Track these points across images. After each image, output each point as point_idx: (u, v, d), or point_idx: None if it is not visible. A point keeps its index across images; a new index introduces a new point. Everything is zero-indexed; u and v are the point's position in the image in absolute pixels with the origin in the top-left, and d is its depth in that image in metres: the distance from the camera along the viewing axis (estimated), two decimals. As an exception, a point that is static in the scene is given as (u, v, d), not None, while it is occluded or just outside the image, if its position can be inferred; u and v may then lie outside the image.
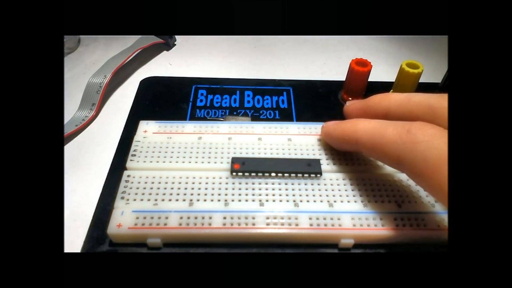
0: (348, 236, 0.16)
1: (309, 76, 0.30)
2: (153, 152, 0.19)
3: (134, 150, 0.19)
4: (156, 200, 0.17)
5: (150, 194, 0.17)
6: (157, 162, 0.19)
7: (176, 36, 0.34)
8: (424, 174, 0.13)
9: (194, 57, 0.32)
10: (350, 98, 0.25)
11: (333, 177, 0.18)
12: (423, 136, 0.14)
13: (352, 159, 0.19)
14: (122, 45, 0.31)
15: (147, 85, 0.27)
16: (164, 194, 0.17)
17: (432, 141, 0.13)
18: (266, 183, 0.18)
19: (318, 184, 0.18)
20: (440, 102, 0.15)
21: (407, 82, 0.23)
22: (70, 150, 0.23)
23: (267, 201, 0.17)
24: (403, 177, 0.18)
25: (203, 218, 0.17)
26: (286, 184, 0.18)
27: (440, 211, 0.17)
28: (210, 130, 0.21)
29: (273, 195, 0.18)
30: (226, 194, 0.18)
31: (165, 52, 0.33)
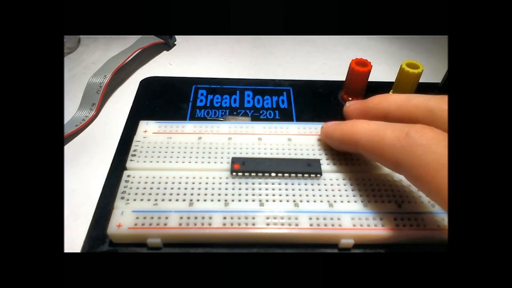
0: (348, 236, 0.16)
1: (309, 76, 0.30)
2: (153, 152, 0.19)
3: (134, 150, 0.19)
4: (156, 200, 0.17)
5: (150, 194, 0.17)
6: (157, 162, 0.19)
7: (176, 36, 0.34)
8: (422, 178, 0.13)
9: (194, 57, 0.32)
10: (350, 98, 0.25)
11: (333, 177, 0.18)
12: (421, 140, 0.14)
13: (352, 159, 0.19)
14: (122, 45, 0.31)
15: (147, 85, 0.27)
16: (164, 194, 0.18)
17: (430, 145, 0.13)
18: (266, 183, 0.18)
19: (318, 184, 0.18)
20: (439, 104, 0.15)
21: (407, 82, 0.23)
22: (70, 150, 0.23)
23: (267, 201, 0.17)
24: (403, 177, 0.18)
25: (203, 218, 0.17)
26: (286, 184, 0.18)
27: (440, 211, 0.17)
28: (210, 130, 0.21)
29: (273, 195, 0.18)
30: (226, 194, 0.18)
31: (165, 52, 0.33)
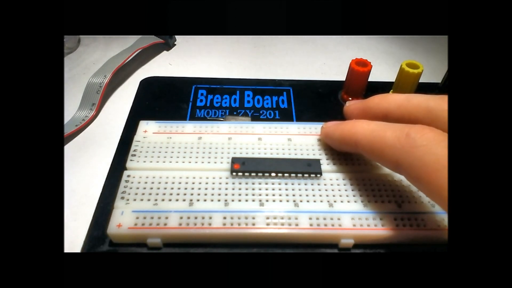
0: (348, 236, 0.16)
1: (309, 76, 0.30)
2: (153, 152, 0.19)
3: (134, 150, 0.19)
4: (156, 200, 0.17)
5: (150, 194, 0.17)
6: (157, 162, 0.19)
7: (176, 36, 0.34)
8: (422, 179, 0.13)
9: (194, 57, 0.32)
10: (350, 98, 0.25)
11: (333, 177, 0.18)
12: (421, 141, 0.14)
13: (352, 159, 0.19)
14: (122, 45, 0.31)
15: (147, 85, 0.27)
16: (164, 194, 0.17)
17: (430, 146, 0.13)
18: (266, 183, 0.18)
19: (318, 184, 0.18)
20: (439, 104, 0.15)
21: (407, 82, 0.23)
22: (70, 150, 0.23)
23: (267, 201, 0.17)
24: (403, 177, 0.18)
25: (203, 218, 0.17)
26: (286, 184, 0.18)
27: (440, 211, 0.17)
28: (210, 130, 0.21)
29: (273, 195, 0.18)
30: (226, 194, 0.18)
31: (165, 52, 0.33)
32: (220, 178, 0.18)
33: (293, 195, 0.18)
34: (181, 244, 0.17)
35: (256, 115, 0.24)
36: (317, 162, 0.19)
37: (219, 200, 0.17)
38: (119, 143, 0.22)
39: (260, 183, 0.18)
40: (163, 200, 0.17)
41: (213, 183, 0.18)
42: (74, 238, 0.18)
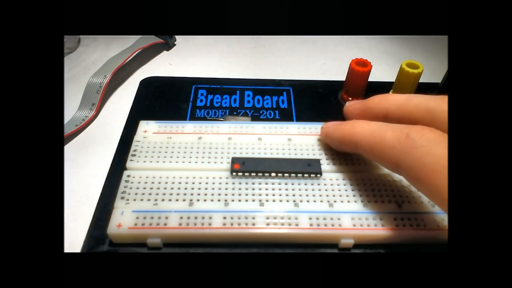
0: (348, 236, 0.16)
1: (309, 76, 0.30)
2: (153, 152, 0.19)
3: (134, 150, 0.19)
4: (156, 200, 0.17)
5: (150, 194, 0.17)
6: (157, 162, 0.19)
7: (176, 36, 0.34)
8: (422, 180, 0.13)
9: (194, 57, 0.32)
10: (350, 98, 0.25)
11: (333, 177, 0.18)
12: (421, 141, 0.14)
13: (352, 159, 0.19)
14: (122, 45, 0.31)
15: (147, 85, 0.27)
16: (164, 194, 0.18)
17: (430, 147, 0.13)
18: (266, 183, 0.18)
19: (318, 184, 0.18)
20: (439, 104, 0.15)
21: (407, 82, 0.23)
22: (70, 150, 0.23)
23: (267, 201, 0.17)
24: (403, 177, 0.18)
25: (203, 218, 0.17)
26: (286, 184, 0.18)
27: (440, 211, 0.17)
28: (210, 130, 0.21)
29: (273, 195, 0.18)
30: (226, 194, 0.18)
31: (165, 52, 0.33)
32: (220, 178, 0.18)
33: (293, 195, 0.18)
34: (181, 244, 0.17)
35: (256, 115, 0.24)
36: (317, 162, 0.19)
37: (219, 200, 0.17)
38: (119, 143, 0.22)
39: (260, 183, 0.18)
40: (163, 200, 0.17)
41: (213, 183, 0.18)
42: (74, 238, 0.18)
